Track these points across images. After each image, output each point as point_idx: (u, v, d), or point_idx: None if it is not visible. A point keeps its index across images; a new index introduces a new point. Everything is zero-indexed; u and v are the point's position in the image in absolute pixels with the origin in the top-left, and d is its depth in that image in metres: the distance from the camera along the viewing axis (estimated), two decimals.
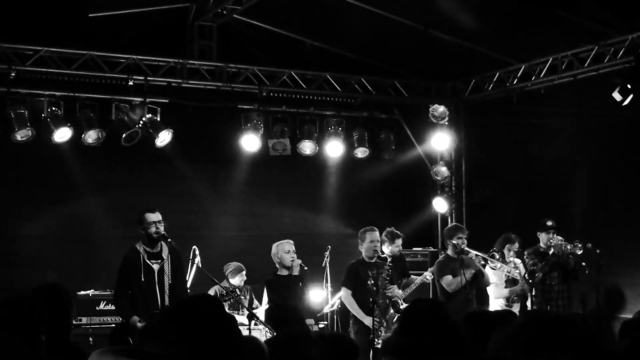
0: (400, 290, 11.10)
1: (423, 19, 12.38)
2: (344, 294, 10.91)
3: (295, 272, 10.62)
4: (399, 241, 11.60)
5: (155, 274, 9.29)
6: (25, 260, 12.10)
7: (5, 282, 11.09)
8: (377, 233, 11.06)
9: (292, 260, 10.59)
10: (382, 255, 11.45)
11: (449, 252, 11.16)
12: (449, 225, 12.16)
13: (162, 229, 9.40)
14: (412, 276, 11.79)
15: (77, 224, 12.78)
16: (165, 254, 9.43)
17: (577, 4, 11.01)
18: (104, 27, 12.15)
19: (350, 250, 11.78)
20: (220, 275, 11.68)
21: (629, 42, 11.55)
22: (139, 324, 8.84)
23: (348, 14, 12.48)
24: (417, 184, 15.11)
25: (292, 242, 10.77)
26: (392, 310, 10.71)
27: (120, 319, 9.54)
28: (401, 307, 10.66)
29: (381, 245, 11.33)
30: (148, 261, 9.33)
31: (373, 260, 10.93)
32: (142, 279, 9.24)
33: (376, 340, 10.26)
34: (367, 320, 10.48)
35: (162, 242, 9.45)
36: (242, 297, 11.29)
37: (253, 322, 9.27)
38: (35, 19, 11.81)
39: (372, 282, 10.76)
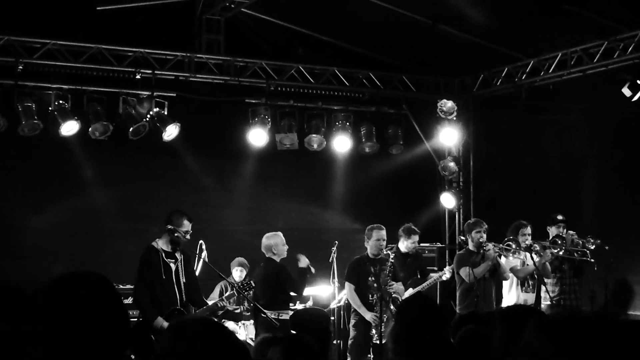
0: (402, 287, 11.11)
1: (432, 14, 12.35)
2: (347, 288, 11.01)
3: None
4: (415, 237, 11.73)
5: (172, 272, 9.33)
6: (32, 253, 12.09)
7: (13, 274, 11.09)
8: (384, 231, 11.08)
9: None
10: (402, 252, 11.56)
11: (470, 245, 11.19)
12: (470, 220, 12.13)
13: (188, 238, 9.50)
14: (431, 274, 11.88)
15: (84, 217, 12.77)
16: (178, 254, 9.47)
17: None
18: (112, 21, 12.12)
19: (357, 246, 11.76)
20: (227, 269, 11.71)
21: (639, 37, 11.50)
22: (164, 324, 8.90)
23: (356, 8, 12.46)
24: (425, 180, 15.08)
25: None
26: (392, 307, 10.70)
27: (140, 317, 9.40)
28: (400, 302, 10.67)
29: (397, 241, 11.51)
30: (166, 259, 9.36)
31: (377, 257, 10.94)
32: (164, 277, 9.27)
33: (375, 335, 10.35)
34: (368, 316, 10.64)
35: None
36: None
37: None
38: (43, 12, 11.81)
39: (373, 278, 10.80)
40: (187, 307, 9.42)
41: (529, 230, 11.23)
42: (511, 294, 11.27)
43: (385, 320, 10.51)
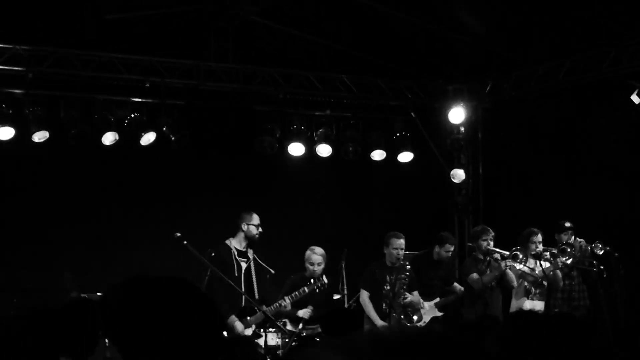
0: (418, 298, 11.06)
1: (440, 21, 12.35)
2: (362, 295, 10.96)
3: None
4: (450, 247, 11.65)
5: (243, 271, 9.70)
6: (42, 262, 12.12)
7: (22, 283, 11.13)
8: (403, 240, 11.07)
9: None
10: (434, 260, 11.64)
11: (476, 253, 11.19)
12: (477, 227, 12.13)
13: (261, 231, 9.90)
14: (456, 284, 11.86)
15: (94, 225, 12.80)
16: (250, 254, 9.88)
17: (595, 5, 10.96)
18: (121, 29, 12.18)
19: (367, 254, 11.74)
20: None
21: None
22: (237, 322, 9.27)
23: (364, 16, 12.47)
24: (434, 187, 15.05)
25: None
26: (403, 319, 10.68)
27: None
28: (414, 317, 10.68)
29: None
30: (238, 258, 9.74)
31: (395, 266, 10.91)
32: (236, 274, 9.64)
33: None
34: (380, 324, 10.57)
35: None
36: None
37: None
38: (52, 21, 11.87)
39: (389, 287, 10.76)
40: (259, 305, 9.63)
41: (539, 237, 11.22)
42: (519, 301, 11.26)
43: None
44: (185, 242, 9.49)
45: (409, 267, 10.96)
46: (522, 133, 13.90)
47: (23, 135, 11.65)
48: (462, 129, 14.38)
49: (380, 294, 10.76)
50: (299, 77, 13.29)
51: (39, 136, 11.72)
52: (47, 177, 12.51)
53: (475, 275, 10.90)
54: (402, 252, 10.98)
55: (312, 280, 10.25)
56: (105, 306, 2.56)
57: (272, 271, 10.55)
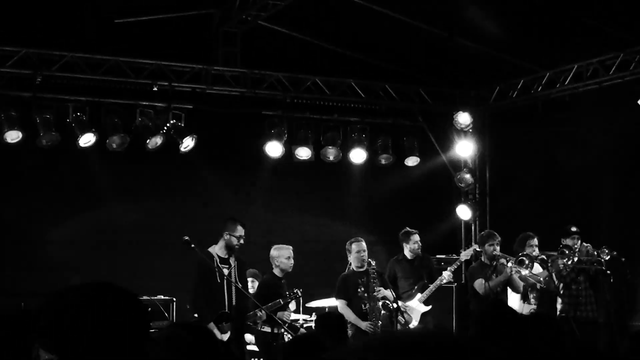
0: (388, 291, 11.18)
1: (448, 27, 12.37)
2: (340, 305, 11.13)
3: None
4: (415, 237, 11.80)
5: (224, 277, 9.89)
6: (49, 266, 12.14)
7: (30, 287, 11.13)
8: (364, 243, 11.32)
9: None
10: (407, 258, 11.76)
11: (483, 258, 11.21)
12: (483, 232, 12.15)
13: (242, 243, 10.12)
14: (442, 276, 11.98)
15: (101, 229, 12.82)
16: (232, 260, 10.07)
17: (603, 11, 10.97)
18: (130, 33, 12.21)
19: (374, 257, 11.73)
20: None
21: None
22: (215, 329, 9.44)
23: (372, 21, 12.49)
24: (441, 192, 15.07)
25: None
26: (383, 311, 10.88)
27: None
28: (390, 306, 10.85)
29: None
30: (220, 265, 9.96)
31: (363, 269, 11.06)
32: (218, 280, 9.85)
33: None
34: (363, 325, 10.88)
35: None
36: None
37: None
38: (61, 25, 11.90)
39: (362, 289, 11.00)
40: (238, 311, 9.96)
41: (535, 241, 11.26)
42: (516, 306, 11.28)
43: (379, 326, 10.88)
44: (192, 246, 9.57)
45: (373, 263, 11.13)
46: (528, 138, 13.90)
47: (30, 138, 11.66)
48: (469, 134, 14.37)
49: (356, 297, 10.98)
50: (306, 81, 13.31)
51: (47, 139, 11.74)
52: (54, 180, 12.52)
53: (481, 281, 10.92)
54: (365, 254, 11.21)
55: (287, 293, 10.59)
56: (42, 316, 2.71)
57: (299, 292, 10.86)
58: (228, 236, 10.08)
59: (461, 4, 11.79)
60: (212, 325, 9.42)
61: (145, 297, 10.52)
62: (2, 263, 11.92)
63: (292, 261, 10.84)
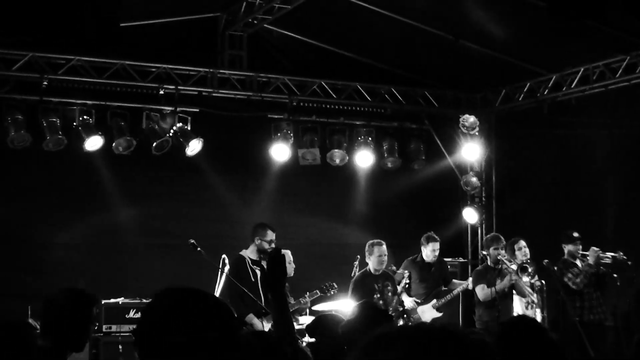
0: (409, 299, 11.14)
1: (453, 30, 12.38)
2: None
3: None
4: (434, 245, 11.88)
5: (258, 277, 10.47)
6: (55, 269, 12.16)
7: (36, 290, 11.14)
8: (385, 247, 11.32)
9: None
10: (425, 262, 11.83)
11: (488, 262, 11.20)
12: (488, 236, 12.14)
13: (273, 247, 10.34)
14: (454, 281, 11.96)
15: (107, 232, 12.83)
16: (264, 263, 10.37)
17: (608, 14, 10.94)
18: (136, 37, 12.21)
19: None
20: None
21: None
22: (255, 319, 10.12)
23: (378, 24, 12.49)
24: (447, 195, 15.06)
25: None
26: (401, 322, 10.78)
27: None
28: (412, 317, 10.84)
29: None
30: (252, 266, 10.54)
31: (379, 273, 11.03)
32: (252, 280, 10.40)
33: None
34: None
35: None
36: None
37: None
38: (67, 28, 11.90)
39: (378, 295, 10.92)
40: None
41: (522, 243, 11.32)
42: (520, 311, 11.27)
43: None
44: (198, 249, 9.59)
45: (392, 269, 11.13)
46: (535, 141, 13.89)
47: (37, 141, 11.68)
48: (475, 137, 14.36)
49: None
50: (312, 84, 13.32)
51: (53, 143, 11.77)
52: (60, 183, 12.53)
53: (482, 286, 10.92)
54: (385, 258, 11.26)
55: (327, 284, 11.01)
56: (148, 312, 2.82)
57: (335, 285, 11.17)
58: (259, 241, 10.63)
59: (467, 7, 11.78)
60: (251, 317, 10.10)
61: (146, 300, 10.54)
62: (8, 265, 11.93)
63: (293, 265, 10.83)
